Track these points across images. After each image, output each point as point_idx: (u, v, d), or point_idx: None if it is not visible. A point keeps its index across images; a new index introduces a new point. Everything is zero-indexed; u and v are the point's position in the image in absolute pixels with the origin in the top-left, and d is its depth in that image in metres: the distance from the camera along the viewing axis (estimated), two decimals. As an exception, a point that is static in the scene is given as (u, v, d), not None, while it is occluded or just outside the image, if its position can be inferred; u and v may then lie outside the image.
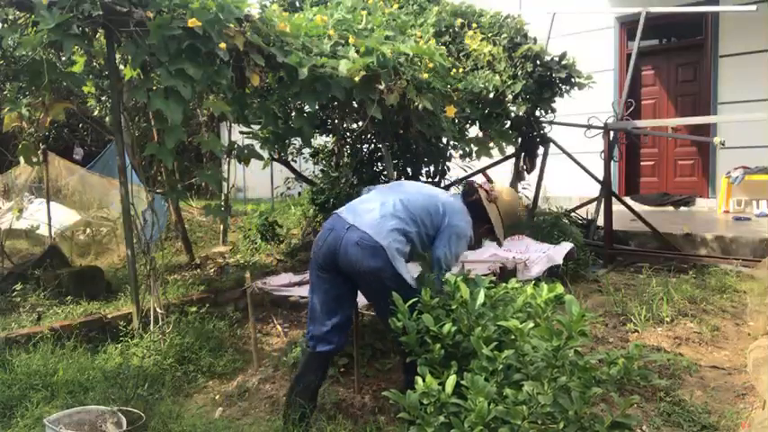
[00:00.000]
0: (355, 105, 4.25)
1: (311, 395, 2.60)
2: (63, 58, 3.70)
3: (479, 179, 2.98)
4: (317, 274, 2.64)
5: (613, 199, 6.10)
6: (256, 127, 4.71)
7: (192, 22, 2.99)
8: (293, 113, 4.32)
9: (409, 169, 6.32)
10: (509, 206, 2.89)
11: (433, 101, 4.31)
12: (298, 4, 5.93)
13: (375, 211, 2.58)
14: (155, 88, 3.15)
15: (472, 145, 5.55)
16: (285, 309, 4.32)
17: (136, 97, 3.26)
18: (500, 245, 3.04)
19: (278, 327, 4.05)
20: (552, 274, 4.70)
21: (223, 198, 4.57)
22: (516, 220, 3.04)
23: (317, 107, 4.14)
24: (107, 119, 4.77)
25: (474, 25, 5.71)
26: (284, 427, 2.52)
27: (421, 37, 4.85)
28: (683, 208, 8.19)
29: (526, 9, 8.73)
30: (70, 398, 2.78)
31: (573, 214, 6.69)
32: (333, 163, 6.14)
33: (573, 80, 5.74)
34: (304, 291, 3.23)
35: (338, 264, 2.53)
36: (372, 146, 5.87)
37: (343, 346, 2.74)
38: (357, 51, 3.84)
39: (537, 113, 6.11)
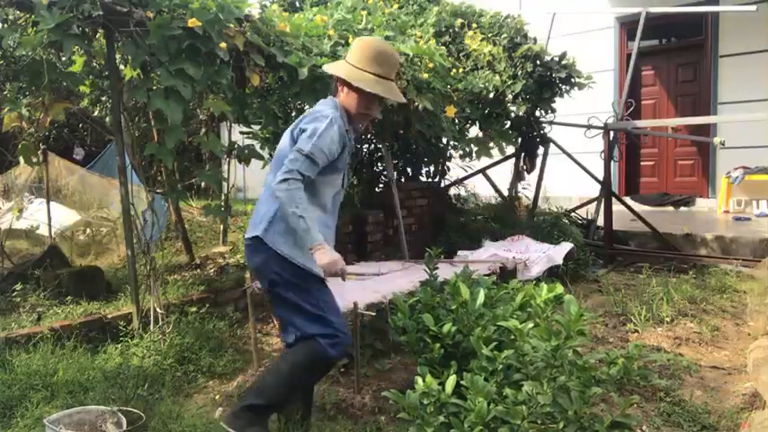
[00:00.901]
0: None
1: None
2: (63, 58, 3.69)
3: None
4: None
5: (613, 199, 6.10)
6: (256, 127, 4.71)
7: (192, 22, 2.99)
8: (293, 113, 4.32)
9: (409, 169, 6.32)
10: (365, 45, 2.36)
11: (432, 101, 4.31)
12: (298, 4, 5.93)
13: (257, 205, 2.38)
14: (155, 88, 3.15)
15: (472, 145, 5.56)
16: (285, 309, 4.32)
17: (136, 97, 3.26)
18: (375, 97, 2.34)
19: (278, 327, 4.06)
20: (552, 274, 4.70)
21: (223, 198, 4.57)
22: (391, 60, 2.36)
23: (317, 107, 4.13)
24: (107, 119, 4.76)
25: (474, 25, 5.71)
26: (284, 427, 2.52)
27: (421, 37, 4.86)
28: (683, 208, 8.19)
29: (526, 9, 8.73)
30: (70, 398, 2.78)
31: (573, 214, 6.69)
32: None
33: (573, 80, 5.75)
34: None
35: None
36: (372, 146, 5.87)
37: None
38: (357, 51, 3.83)
39: (537, 113, 6.11)
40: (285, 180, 2.12)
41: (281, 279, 2.27)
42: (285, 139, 2.35)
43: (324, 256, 2.15)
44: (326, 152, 2.20)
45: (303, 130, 2.23)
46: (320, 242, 2.14)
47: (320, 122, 2.22)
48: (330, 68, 2.40)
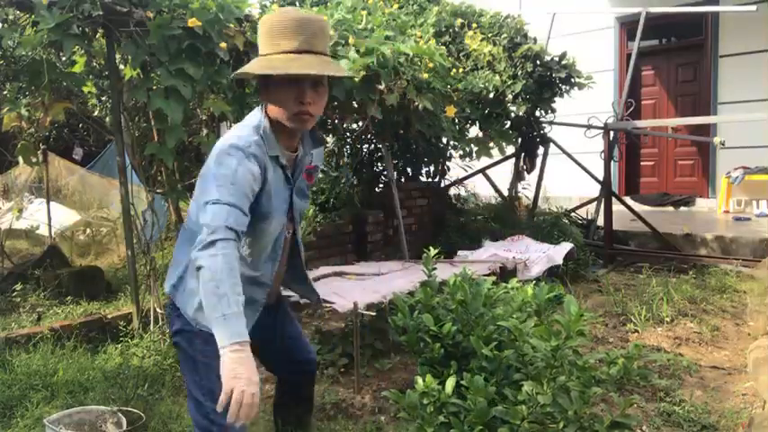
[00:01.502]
0: (355, 105, 4.26)
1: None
2: (63, 58, 3.69)
3: None
4: None
5: (613, 199, 6.10)
6: (256, 127, 4.70)
7: (192, 22, 2.99)
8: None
9: (409, 169, 6.32)
10: (265, 21, 1.76)
11: (432, 101, 4.31)
12: (297, 5, 5.93)
13: (175, 247, 1.92)
14: (155, 88, 3.15)
15: (472, 145, 5.55)
16: (285, 309, 4.32)
17: (136, 97, 3.26)
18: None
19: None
20: (552, 274, 4.70)
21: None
22: (305, 27, 1.81)
23: (316, 107, 4.14)
24: (107, 119, 4.76)
25: (474, 25, 5.72)
26: (282, 428, 2.51)
27: (421, 37, 4.85)
28: (683, 208, 8.19)
29: (526, 9, 8.73)
30: (70, 398, 2.78)
31: (573, 214, 6.69)
32: (333, 163, 6.16)
33: (573, 80, 5.75)
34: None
35: None
36: (372, 146, 5.87)
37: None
38: (357, 51, 3.84)
39: (537, 113, 6.11)
40: (212, 243, 1.49)
41: (177, 343, 1.87)
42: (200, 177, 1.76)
43: (234, 362, 1.40)
44: (249, 194, 1.63)
45: (214, 176, 1.62)
46: (240, 342, 1.43)
47: (230, 158, 1.62)
48: (237, 73, 1.79)
